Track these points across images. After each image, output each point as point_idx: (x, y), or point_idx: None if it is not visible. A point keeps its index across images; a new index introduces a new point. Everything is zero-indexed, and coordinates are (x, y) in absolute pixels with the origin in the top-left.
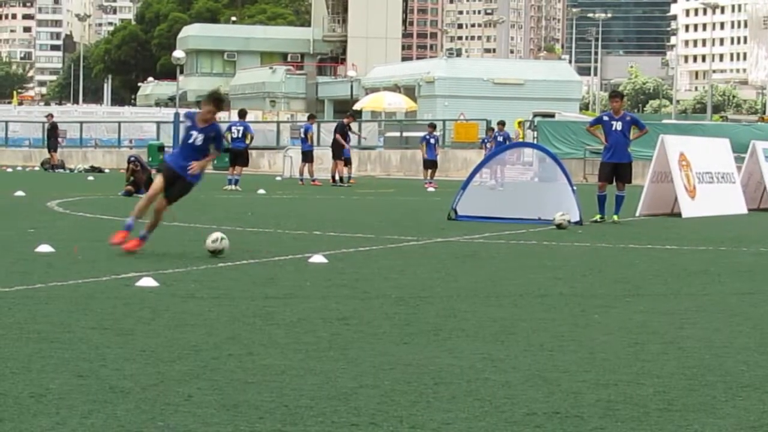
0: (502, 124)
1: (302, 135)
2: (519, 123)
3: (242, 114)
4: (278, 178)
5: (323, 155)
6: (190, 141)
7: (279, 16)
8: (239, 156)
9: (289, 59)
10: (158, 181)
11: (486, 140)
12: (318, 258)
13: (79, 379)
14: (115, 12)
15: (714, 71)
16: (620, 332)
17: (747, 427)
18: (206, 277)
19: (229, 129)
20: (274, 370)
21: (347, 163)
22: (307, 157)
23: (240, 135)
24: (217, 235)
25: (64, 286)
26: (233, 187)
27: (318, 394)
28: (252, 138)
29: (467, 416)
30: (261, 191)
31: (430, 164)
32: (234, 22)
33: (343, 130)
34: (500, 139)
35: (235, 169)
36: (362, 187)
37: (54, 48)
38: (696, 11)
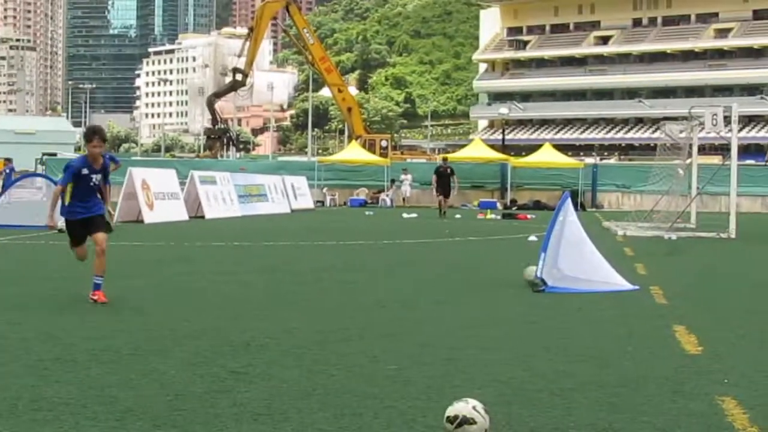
0: (8, 160)
1: None
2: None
3: None
4: None
5: None
6: (91, 183)
7: None
8: None
9: None
10: (78, 251)
11: (2, 173)
12: None
13: None
14: None
15: (167, 123)
16: None
17: None
18: None
19: None
20: None
21: None
22: None
23: None
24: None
25: None
26: None
27: None
28: None
29: None
30: None
31: None
32: None
33: None
34: (7, 170)
35: None
36: None
37: None
38: (155, 83)
